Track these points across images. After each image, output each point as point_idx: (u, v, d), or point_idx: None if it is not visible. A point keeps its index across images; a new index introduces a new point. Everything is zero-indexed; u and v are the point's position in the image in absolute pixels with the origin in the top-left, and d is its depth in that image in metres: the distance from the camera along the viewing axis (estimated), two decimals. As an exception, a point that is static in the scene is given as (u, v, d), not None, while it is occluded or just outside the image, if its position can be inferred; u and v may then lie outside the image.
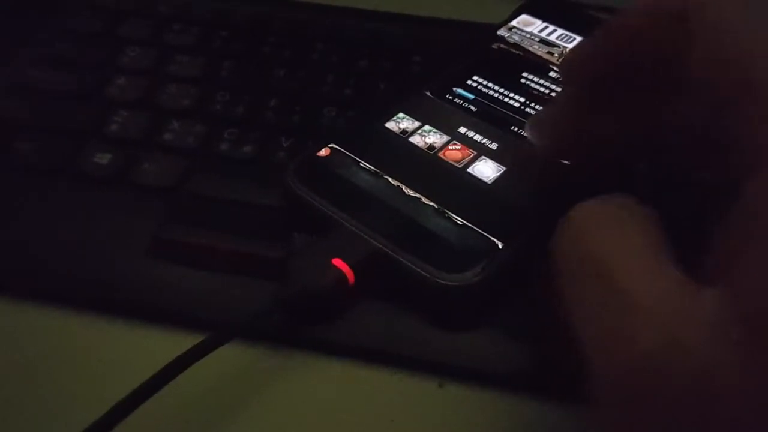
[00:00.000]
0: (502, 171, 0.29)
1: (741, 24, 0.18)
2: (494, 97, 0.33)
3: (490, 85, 0.33)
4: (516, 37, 0.36)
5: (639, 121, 0.23)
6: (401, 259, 0.26)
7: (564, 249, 0.19)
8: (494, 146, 0.30)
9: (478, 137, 0.31)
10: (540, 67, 0.35)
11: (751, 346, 0.15)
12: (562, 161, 0.26)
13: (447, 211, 0.28)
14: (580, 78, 0.24)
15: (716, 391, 0.15)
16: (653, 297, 0.16)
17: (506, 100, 0.33)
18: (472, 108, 0.32)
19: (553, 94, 0.33)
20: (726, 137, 0.18)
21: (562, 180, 0.26)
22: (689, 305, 0.16)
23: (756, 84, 0.17)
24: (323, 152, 0.30)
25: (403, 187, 0.29)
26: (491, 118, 0.32)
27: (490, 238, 0.27)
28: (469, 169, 0.29)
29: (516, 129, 0.31)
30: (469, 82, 0.34)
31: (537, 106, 0.32)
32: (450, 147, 0.30)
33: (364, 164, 0.30)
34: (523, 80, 0.34)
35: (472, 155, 0.30)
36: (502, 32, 0.37)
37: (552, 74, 0.34)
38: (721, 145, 0.18)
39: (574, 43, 0.36)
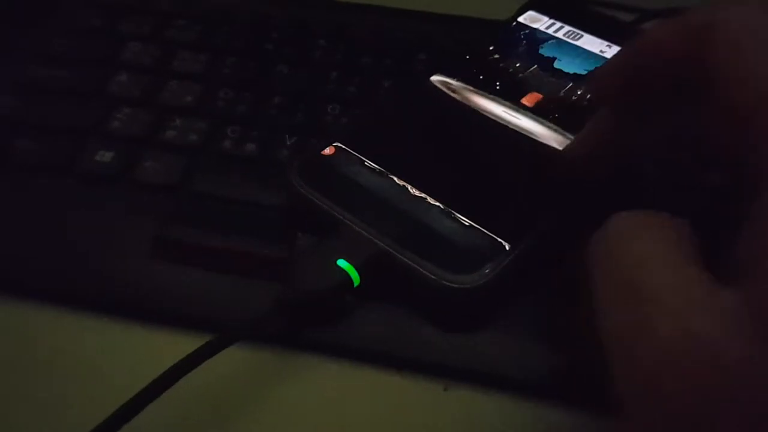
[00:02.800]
0: (510, 169, 0.29)
1: (762, 41, 0.19)
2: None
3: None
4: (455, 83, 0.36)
5: (663, 130, 0.24)
6: (406, 260, 0.26)
7: (595, 254, 0.20)
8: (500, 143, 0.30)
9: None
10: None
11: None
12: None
13: (453, 211, 0.27)
14: (609, 93, 0.24)
15: (733, 383, 0.15)
16: (672, 291, 0.17)
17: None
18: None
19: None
20: (743, 149, 0.19)
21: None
22: (708, 300, 0.17)
23: None
24: (327, 151, 0.30)
25: (409, 187, 0.28)
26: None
27: (496, 239, 0.26)
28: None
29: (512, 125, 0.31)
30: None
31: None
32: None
33: (368, 163, 0.29)
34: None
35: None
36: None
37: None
38: (740, 153, 0.19)
39: (581, 40, 0.35)
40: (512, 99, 0.32)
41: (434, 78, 0.33)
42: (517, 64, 0.34)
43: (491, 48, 0.35)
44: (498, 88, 0.33)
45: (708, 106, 0.20)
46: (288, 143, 0.33)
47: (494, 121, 0.31)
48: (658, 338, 0.17)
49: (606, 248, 0.19)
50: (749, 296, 0.16)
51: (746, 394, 0.15)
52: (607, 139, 0.26)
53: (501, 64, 0.34)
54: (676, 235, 0.19)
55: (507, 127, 0.31)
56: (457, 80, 0.33)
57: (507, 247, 0.26)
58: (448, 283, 0.25)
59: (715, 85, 0.20)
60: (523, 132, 0.31)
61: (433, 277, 0.25)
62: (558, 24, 0.36)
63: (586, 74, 0.33)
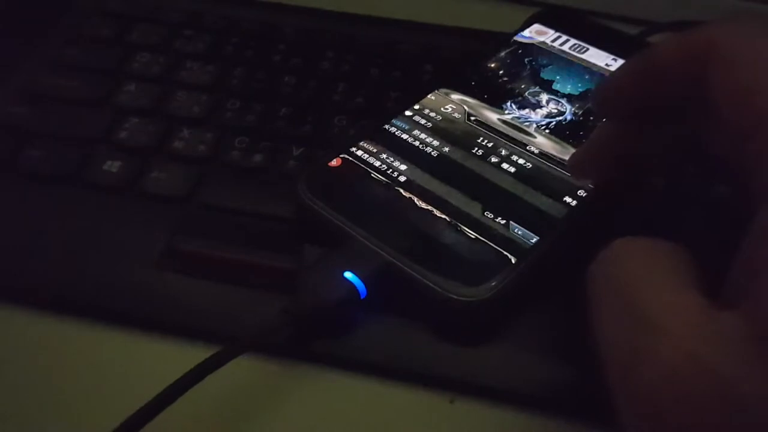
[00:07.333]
0: (515, 182, 0.29)
1: (762, 59, 0.19)
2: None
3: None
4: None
5: (667, 145, 0.24)
6: (413, 272, 0.26)
7: (595, 277, 0.20)
8: (505, 157, 0.30)
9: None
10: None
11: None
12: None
13: (459, 224, 0.27)
14: (612, 105, 0.24)
15: (734, 404, 0.16)
16: (673, 317, 0.17)
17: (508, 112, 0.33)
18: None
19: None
20: (743, 165, 0.19)
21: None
22: (708, 324, 0.17)
23: None
24: (334, 162, 0.30)
25: (415, 199, 0.28)
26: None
27: (502, 253, 0.26)
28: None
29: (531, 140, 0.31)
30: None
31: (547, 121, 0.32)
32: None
33: (375, 175, 0.29)
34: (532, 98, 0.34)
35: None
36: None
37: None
38: (739, 171, 0.19)
39: (587, 54, 0.36)
40: (517, 112, 0.32)
41: (439, 91, 0.33)
42: (522, 79, 0.34)
43: (496, 61, 0.35)
44: (503, 101, 0.33)
45: (710, 122, 0.21)
46: (295, 154, 0.33)
47: (499, 135, 0.31)
48: (658, 361, 0.17)
49: (606, 272, 0.20)
50: (746, 317, 0.16)
51: (747, 415, 0.15)
52: (609, 149, 0.26)
53: (506, 78, 0.34)
54: (676, 261, 0.19)
55: (512, 140, 0.31)
56: (463, 93, 0.33)
57: (513, 261, 0.26)
58: (454, 296, 0.25)
59: (716, 101, 0.20)
60: (527, 145, 0.31)
61: (439, 289, 0.25)
62: (564, 37, 0.37)
63: (586, 90, 0.33)
